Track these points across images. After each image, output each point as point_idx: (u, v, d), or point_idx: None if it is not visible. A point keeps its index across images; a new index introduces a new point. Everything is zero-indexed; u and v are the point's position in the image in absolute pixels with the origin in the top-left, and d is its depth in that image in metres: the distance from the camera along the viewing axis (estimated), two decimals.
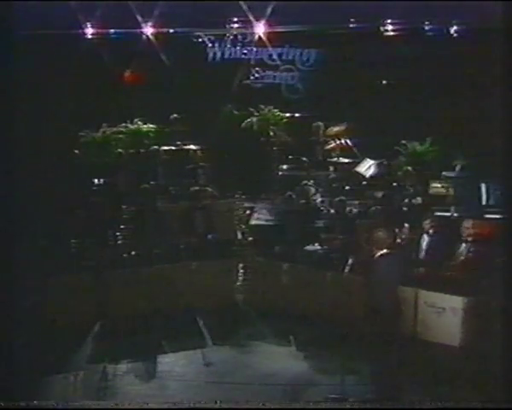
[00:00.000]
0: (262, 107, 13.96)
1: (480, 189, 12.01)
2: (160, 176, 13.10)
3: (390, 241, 8.99)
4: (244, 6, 13.13)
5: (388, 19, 13.73)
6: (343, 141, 13.52)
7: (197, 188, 12.99)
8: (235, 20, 14.12)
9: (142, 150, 13.07)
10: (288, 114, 14.07)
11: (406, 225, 11.57)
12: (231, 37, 14.42)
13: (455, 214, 11.87)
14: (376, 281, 8.78)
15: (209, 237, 12.52)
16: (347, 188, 13.02)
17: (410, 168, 12.89)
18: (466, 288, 10.14)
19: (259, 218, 12.89)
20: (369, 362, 9.06)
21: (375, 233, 8.94)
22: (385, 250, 8.82)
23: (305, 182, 13.23)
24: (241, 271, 12.28)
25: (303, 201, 12.97)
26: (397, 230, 11.08)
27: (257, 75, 14.68)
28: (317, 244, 12.09)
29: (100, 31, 13.56)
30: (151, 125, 13.22)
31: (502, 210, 9.58)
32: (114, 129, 13.08)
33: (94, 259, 11.54)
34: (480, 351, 9.36)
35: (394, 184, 12.95)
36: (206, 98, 13.51)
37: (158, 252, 11.94)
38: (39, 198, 10.29)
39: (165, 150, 13.21)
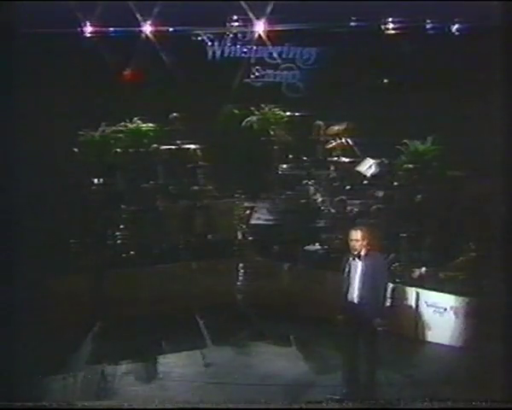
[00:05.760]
0: (262, 105, 13.93)
1: None
2: (159, 175, 13.07)
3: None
4: (244, 4, 13.12)
5: (389, 17, 13.70)
6: (344, 140, 13.46)
7: (197, 188, 12.98)
8: (236, 18, 14.10)
9: (141, 149, 13.03)
10: (288, 113, 14.02)
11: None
12: (231, 35, 14.39)
13: None
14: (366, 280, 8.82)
15: (209, 236, 12.51)
16: (348, 187, 12.97)
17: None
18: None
19: (259, 218, 12.89)
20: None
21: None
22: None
23: (306, 181, 13.21)
24: (241, 271, 12.29)
25: (303, 200, 12.94)
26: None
27: (257, 74, 14.65)
28: (317, 244, 12.10)
29: (99, 29, 13.55)
30: (150, 125, 13.18)
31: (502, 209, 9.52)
32: (114, 128, 13.03)
33: (93, 259, 11.54)
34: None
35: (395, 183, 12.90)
36: (206, 97, 13.48)
37: (157, 252, 11.93)
38: (38, 198, 10.26)
39: (164, 149, 13.15)
